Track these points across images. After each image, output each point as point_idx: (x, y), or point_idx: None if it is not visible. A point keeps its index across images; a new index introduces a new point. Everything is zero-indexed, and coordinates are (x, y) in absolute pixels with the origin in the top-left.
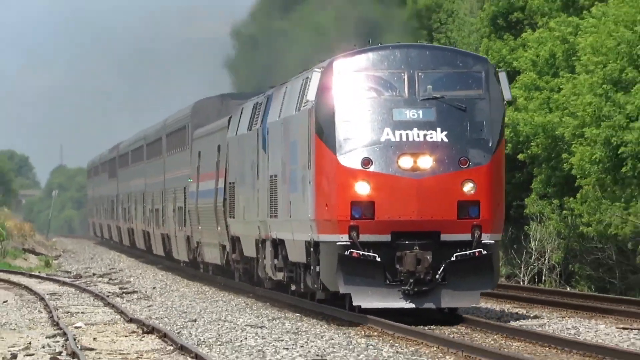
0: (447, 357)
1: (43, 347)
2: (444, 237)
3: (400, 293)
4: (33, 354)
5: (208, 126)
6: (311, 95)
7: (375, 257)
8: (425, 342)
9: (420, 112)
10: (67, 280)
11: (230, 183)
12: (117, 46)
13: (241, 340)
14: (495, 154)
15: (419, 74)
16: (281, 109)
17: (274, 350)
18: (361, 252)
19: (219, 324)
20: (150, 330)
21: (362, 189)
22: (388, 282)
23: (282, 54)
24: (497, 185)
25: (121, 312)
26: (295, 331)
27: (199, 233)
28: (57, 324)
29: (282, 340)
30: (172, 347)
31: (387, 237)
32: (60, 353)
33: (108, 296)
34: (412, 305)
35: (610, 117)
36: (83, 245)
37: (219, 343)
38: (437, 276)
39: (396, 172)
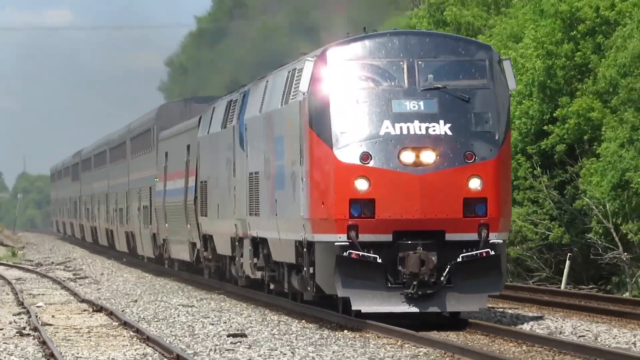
0: None
1: (10, 323)
2: (449, 236)
3: (402, 296)
4: (2, 329)
5: (176, 127)
6: (303, 86)
7: (376, 258)
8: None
9: (422, 103)
10: (30, 267)
11: (201, 182)
12: (69, 75)
13: (174, 317)
14: (502, 147)
15: (419, 62)
16: (262, 103)
17: (201, 325)
18: (361, 253)
19: (155, 304)
20: (99, 309)
21: (361, 185)
22: (389, 285)
23: (207, 79)
24: (505, 181)
25: (75, 294)
26: (219, 309)
27: (165, 231)
28: (22, 304)
29: (208, 317)
30: (117, 323)
31: (388, 237)
32: (24, 328)
33: (64, 281)
34: (416, 310)
35: None
36: (44, 239)
37: (156, 320)
38: (442, 278)
39: (397, 167)
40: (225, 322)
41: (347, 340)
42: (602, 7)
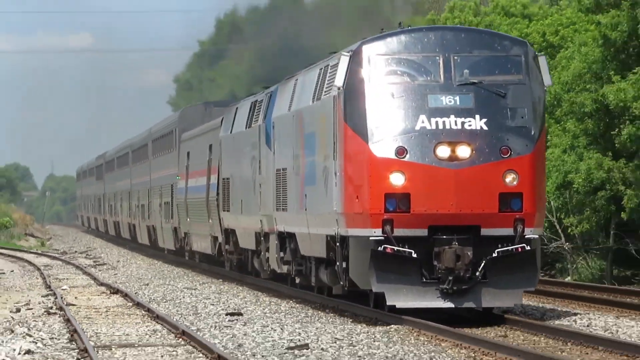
0: None
1: (39, 303)
2: (484, 231)
3: (437, 292)
4: (32, 308)
5: (198, 128)
6: (339, 80)
7: (411, 253)
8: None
9: (457, 98)
10: (56, 255)
11: (223, 179)
12: (90, 89)
13: (180, 299)
14: (538, 142)
15: (455, 57)
16: (291, 101)
17: (203, 305)
18: (396, 248)
19: (164, 287)
20: (115, 291)
21: (397, 180)
22: (424, 280)
23: (208, 94)
24: (540, 176)
25: (94, 278)
26: (219, 292)
27: (187, 225)
28: (49, 287)
29: (209, 299)
30: (131, 304)
31: (423, 232)
32: (51, 307)
33: (85, 267)
34: (451, 305)
35: None
36: (68, 232)
37: (164, 300)
38: (477, 273)
39: (433, 162)
40: (224, 303)
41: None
42: (548, 33)
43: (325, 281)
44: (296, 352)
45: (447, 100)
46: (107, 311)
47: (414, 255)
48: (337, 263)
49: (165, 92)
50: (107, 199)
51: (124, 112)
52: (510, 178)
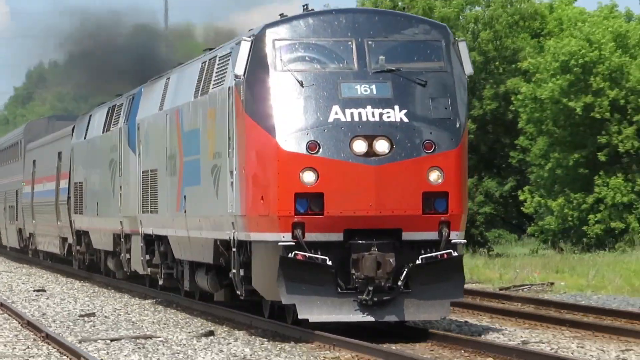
0: None
1: None
2: (406, 235)
3: (355, 303)
4: None
5: (44, 138)
6: (239, 69)
7: (325, 260)
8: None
9: (374, 87)
10: None
11: (76, 183)
12: None
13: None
14: (463, 136)
15: (369, 42)
16: (163, 100)
17: (17, 284)
18: (307, 254)
19: None
20: None
21: (308, 177)
22: (340, 291)
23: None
24: (465, 175)
25: None
26: (29, 274)
27: (32, 226)
28: None
29: (21, 279)
30: None
31: (339, 236)
32: None
33: None
34: (371, 319)
35: None
36: None
37: None
38: (399, 283)
39: (349, 157)
40: (32, 283)
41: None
42: None
43: (204, 287)
44: (85, 318)
45: (362, 89)
46: None
47: (329, 263)
48: (233, 270)
49: None
50: None
51: None
52: (435, 176)
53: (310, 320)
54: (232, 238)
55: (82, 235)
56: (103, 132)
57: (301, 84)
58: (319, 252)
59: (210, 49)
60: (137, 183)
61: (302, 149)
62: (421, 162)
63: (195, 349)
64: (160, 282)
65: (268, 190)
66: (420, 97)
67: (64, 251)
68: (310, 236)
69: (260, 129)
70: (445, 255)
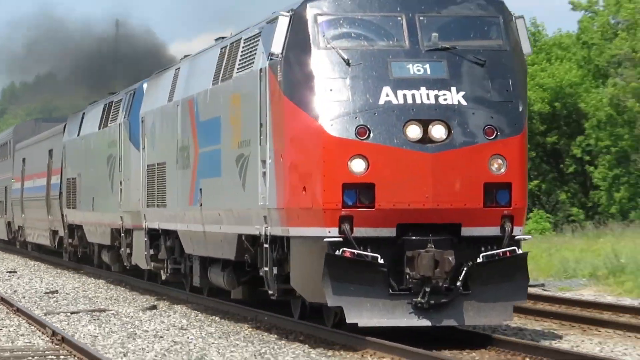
0: None
1: None
2: (466, 231)
3: (410, 306)
4: None
5: (35, 137)
6: (276, 47)
7: (377, 257)
8: None
9: (427, 66)
10: None
11: (68, 179)
12: None
13: None
14: (525, 121)
15: (420, 17)
16: (172, 91)
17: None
18: (357, 251)
19: None
20: None
21: (358, 166)
22: (392, 292)
23: None
24: (526, 164)
25: None
26: (2, 259)
27: (21, 220)
28: None
29: None
30: None
31: (391, 231)
32: None
33: None
34: (427, 323)
35: None
36: None
37: None
38: (457, 283)
39: (403, 144)
40: (5, 266)
41: None
42: None
43: (219, 284)
44: (49, 295)
45: (415, 68)
46: None
47: (380, 261)
48: (265, 268)
49: None
50: None
51: None
52: (497, 165)
53: (359, 325)
54: (263, 233)
55: (75, 229)
56: (100, 128)
57: (347, 63)
58: (368, 249)
59: (223, 38)
60: (141, 177)
61: (351, 134)
62: (482, 149)
63: (141, 320)
64: (163, 277)
65: (312, 181)
66: (479, 78)
67: (55, 243)
68: (360, 231)
69: (302, 113)
70: (508, 253)
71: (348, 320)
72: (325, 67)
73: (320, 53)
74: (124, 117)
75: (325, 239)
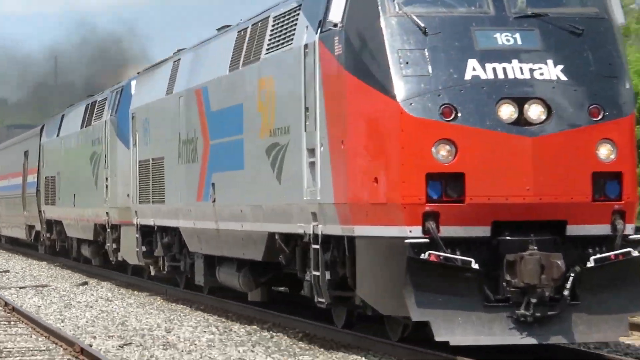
0: None
1: None
2: (572, 229)
3: (510, 320)
4: None
5: (9, 140)
6: (335, 15)
7: (470, 262)
8: None
9: (517, 35)
10: None
11: (47, 177)
12: None
13: None
14: (633, 100)
15: None
16: (173, 83)
17: None
18: (444, 255)
19: None
20: None
21: (444, 153)
22: (487, 304)
23: None
24: (635, 151)
25: None
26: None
27: None
28: None
29: None
30: None
31: (485, 230)
32: None
33: None
34: (533, 341)
35: None
36: None
37: None
38: (565, 292)
39: (497, 126)
40: None
41: None
42: None
43: (233, 285)
44: (2, 273)
45: (503, 38)
46: None
47: (474, 266)
48: (313, 272)
49: None
50: None
51: None
52: (606, 151)
53: (451, 344)
54: (311, 232)
55: (53, 224)
56: (82, 127)
57: (424, 32)
58: (457, 252)
59: (228, 26)
60: (132, 174)
61: (434, 115)
62: (588, 132)
63: (75, 294)
64: (153, 273)
65: (386, 170)
66: (578, 49)
67: (31, 237)
68: (447, 230)
69: (371, 90)
70: (622, 256)
71: (437, 338)
72: (397, 37)
73: (391, 20)
74: (111, 115)
75: (407, 240)
